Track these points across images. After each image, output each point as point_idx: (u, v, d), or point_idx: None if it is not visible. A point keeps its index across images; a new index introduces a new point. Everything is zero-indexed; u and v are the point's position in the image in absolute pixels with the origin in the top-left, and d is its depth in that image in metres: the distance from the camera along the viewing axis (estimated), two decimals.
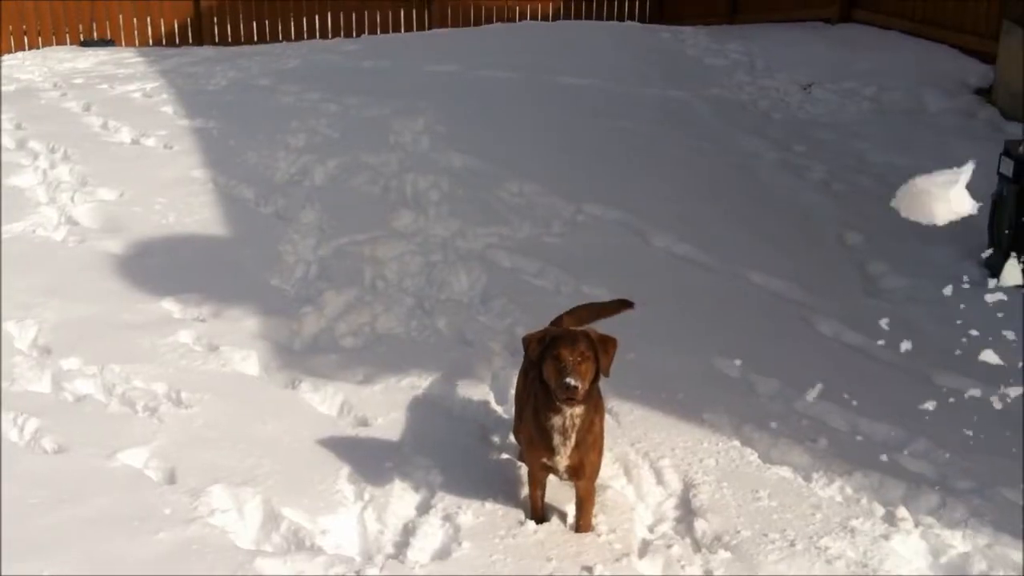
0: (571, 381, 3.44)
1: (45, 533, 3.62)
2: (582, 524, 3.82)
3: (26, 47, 14.99)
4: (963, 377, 4.82)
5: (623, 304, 4.31)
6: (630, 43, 11.94)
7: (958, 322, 5.55)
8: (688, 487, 4.05)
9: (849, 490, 4.04)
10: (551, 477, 3.83)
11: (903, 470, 4.17)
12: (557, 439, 3.61)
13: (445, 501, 3.92)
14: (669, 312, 5.62)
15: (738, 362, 5.05)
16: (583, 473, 3.72)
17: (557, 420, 3.59)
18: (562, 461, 3.66)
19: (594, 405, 3.67)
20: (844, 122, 9.11)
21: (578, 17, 16.42)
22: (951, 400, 4.53)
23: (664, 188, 7.51)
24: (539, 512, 3.88)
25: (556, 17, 16.36)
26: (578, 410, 3.58)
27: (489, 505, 3.90)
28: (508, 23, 14.87)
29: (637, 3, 17.02)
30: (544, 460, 3.70)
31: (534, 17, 16.28)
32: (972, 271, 6.12)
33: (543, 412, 3.61)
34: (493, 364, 5.07)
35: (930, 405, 4.36)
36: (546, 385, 3.58)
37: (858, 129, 8.88)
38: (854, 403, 4.61)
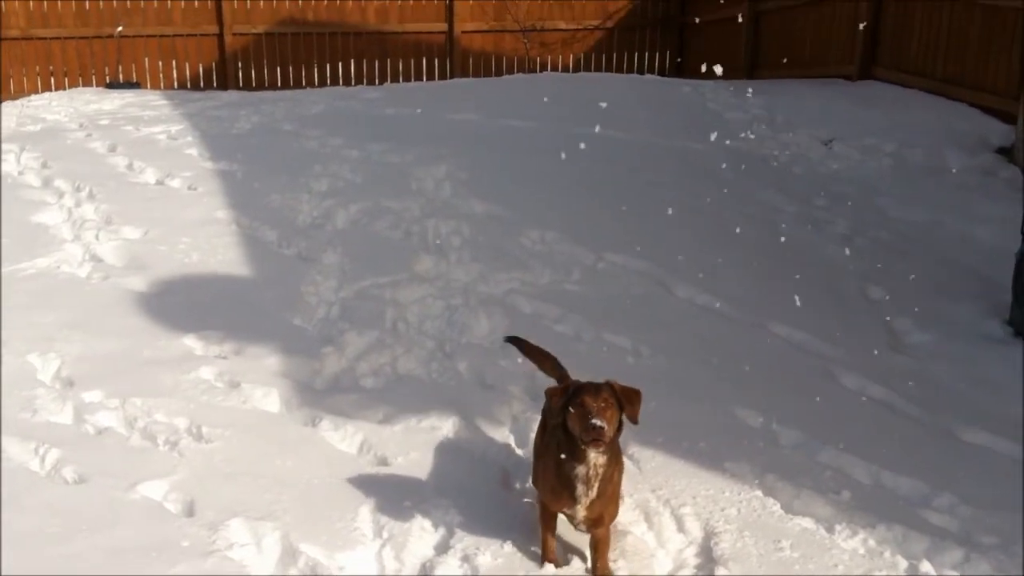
0: (597, 422, 3.45)
1: (63, 563, 3.60)
2: (599, 567, 3.79)
3: (53, 88, 15.23)
4: (987, 433, 4.80)
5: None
6: (651, 96, 12.02)
7: (982, 378, 5.55)
8: (709, 535, 4.02)
9: (872, 543, 3.99)
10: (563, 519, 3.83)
11: (927, 524, 4.12)
12: (580, 489, 3.62)
13: (464, 542, 3.89)
14: (691, 362, 5.62)
15: (760, 413, 5.02)
16: (601, 523, 3.72)
17: (581, 470, 3.60)
18: (581, 511, 3.67)
19: (615, 457, 3.69)
20: (865, 178, 9.13)
21: (599, 69, 16.62)
22: (975, 455, 4.50)
23: (686, 239, 7.52)
24: (551, 555, 3.85)
25: (577, 69, 16.56)
26: (602, 460, 3.59)
27: (508, 547, 3.88)
28: (529, 74, 15.01)
29: (658, 57, 17.20)
30: (565, 510, 3.71)
31: (555, 68, 16.47)
32: (996, 328, 6.11)
33: (567, 462, 3.62)
34: (513, 408, 5.06)
35: (954, 460, 4.34)
36: (570, 435, 3.60)
37: (879, 185, 8.90)
38: (878, 456, 4.58)
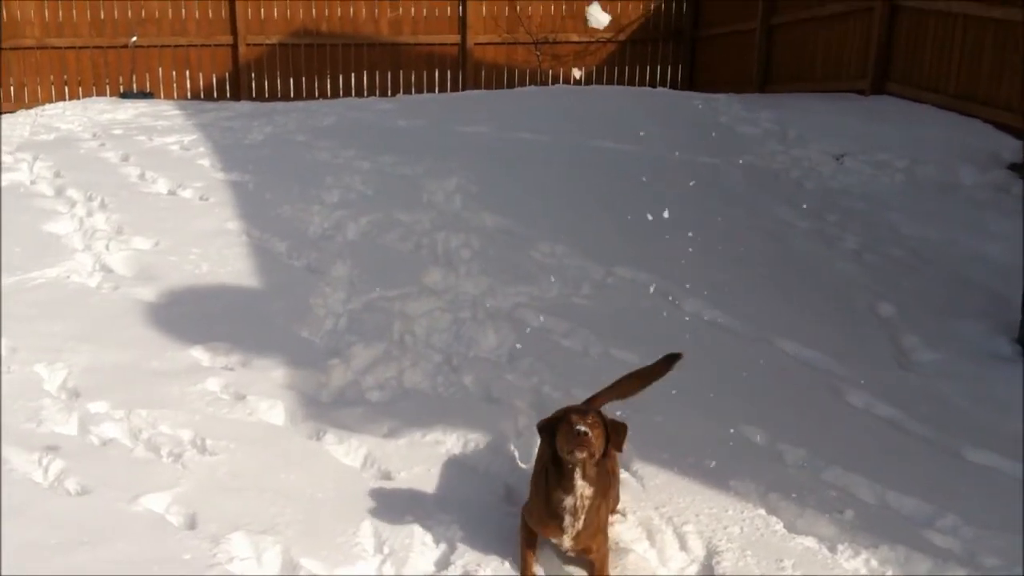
0: (581, 428, 3.56)
1: (64, 574, 3.61)
2: None
3: (67, 97, 15.32)
4: (993, 453, 4.77)
5: (671, 360, 4.36)
6: (662, 109, 12.02)
7: (989, 397, 5.51)
8: (711, 554, 4.00)
9: (875, 563, 3.97)
10: None
11: (930, 545, 4.09)
12: (567, 520, 3.69)
13: (465, 558, 3.89)
14: (698, 377, 5.57)
15: (766, 430, 5.00)
16: (590, 552, 3.78)
17: (568, 501, 3.68)
18: (567, 541, 3.74)
19: (603, 491, 3.76)
20: (876, 193, 9.10)
21: (611, 82, 16.64)
22: (980, 476, 4.47)
23: (695, 253, 7.50)
24: (530, 572, 3.85)
25: (589, 82, 16.57)
26: (588, 491, 3.67)
27: (509, 564, 3.87)
28: (541, 86, 15.03)
29: (669, 70, 17.21)
30: (552, 539, 3.78)
31: (567, 81, 16.49)
32: (1004, 346, 6.08)
33: (555, 492, 3.70)
34: (519, 423, 5.05)
35: (959, 480, 4.31)
36: (558, 464, 3.68)
37: (891, 201, 8.87)
38: (883, 475, 4.55)
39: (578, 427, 3.57)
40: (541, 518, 3.78)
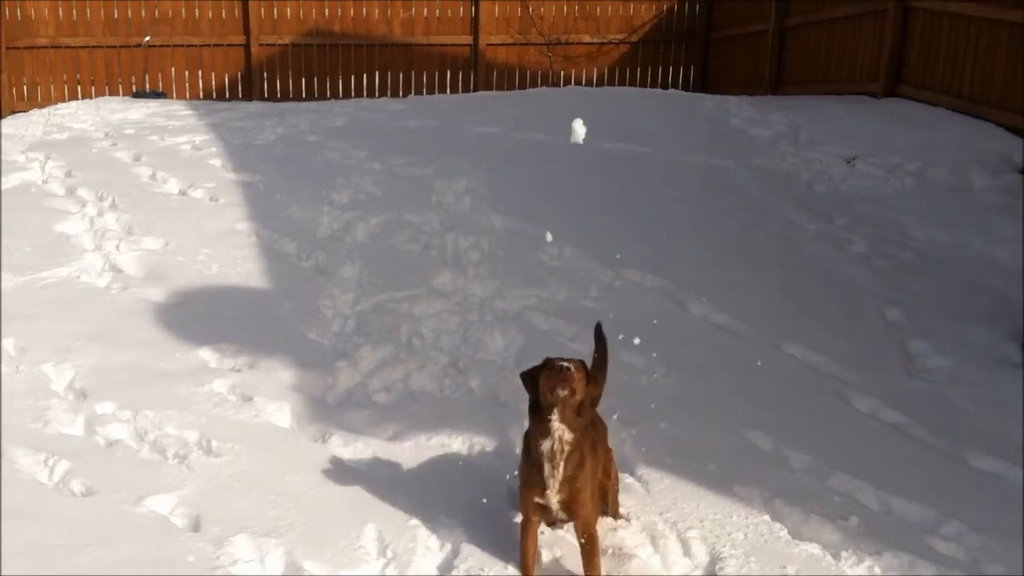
0: (564, 363, 3.64)
1: (69, 575, 3.62)
2: (590, 568, 3.81)
3: (80, 96, 15.38)
4: (998, 459, 4.75)
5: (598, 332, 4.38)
6: (674, 111, 12.01)
7: (996, 403, 5.49)
8: (715, 560, 3.99)
9: (879, 570, 3.96)
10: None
11: (934, 552, 4.08)
12: (547, 468, 3.70)
13: (469, 562, 3.90)
14: (704, 381, 5.60)
15: (772, 436, 4.99)
16: (576, 511, 3.76)
17: (546, 444, 3.70)
18: (553, 495, 3.72)
19: (590, 447, 3.79)
20: (887, 197, 9.06)
21: (622, 84, 16.62)
22: (985, 482, 4.45)
23: (704, 256, 7.50)
24: (529, 569, 3.86)
25: (600, 83, 16.56)
26: (568, 436, 3.69)
27: (513, 568, 3.88)
28: (552, 88, 15.02)
29: (682, 71, 17.18)
30: (537, 499, 3.76)
31: (578, 82, 16.48)
32: (1013, 352, 6.05)
33: (534, 441, 3.74)
34: (525, 426, 5.01)
35: (964, 487, 4.29)
36: (538, 412, 3.73)
37: (901, 204, 8.83)
38: (888, 482, 4.54)
39: (561, 363, 3.63)
40: (527, 477, 3.79)
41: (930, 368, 5.99)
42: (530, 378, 3.78)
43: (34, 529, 3.84)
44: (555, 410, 3.68)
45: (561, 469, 3.70)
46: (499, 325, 6.25)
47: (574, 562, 3.91)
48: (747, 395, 5.48)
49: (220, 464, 4.49)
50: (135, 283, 6.70)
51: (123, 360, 5.51)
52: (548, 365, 3.70)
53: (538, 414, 3.74)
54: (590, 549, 3.80)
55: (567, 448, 3.70)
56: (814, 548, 4.08)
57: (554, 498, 3.73)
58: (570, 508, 3.76)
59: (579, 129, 4.47)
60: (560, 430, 3.69)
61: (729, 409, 5.29)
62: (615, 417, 4.92)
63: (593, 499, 3.82)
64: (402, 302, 6.53)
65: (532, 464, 3.75)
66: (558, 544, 4.07)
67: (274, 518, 4.07)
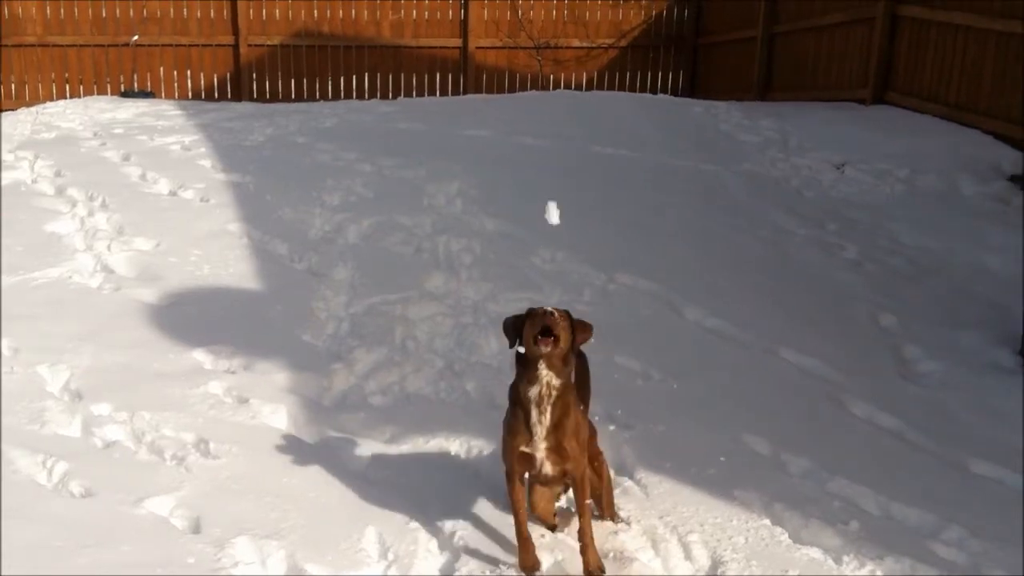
0: (549, 308, 3.69)
1: None
2: (588, 559, 3.83)
3: (68, 95, 15.30)
4: (996, 465, 4.77)
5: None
6: (663, 115, 12.02)
7: (991, 408, 5.52)
8: (716, 563, 3.99)
9: (880, 574, 3.97)
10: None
11: (935, 557, 4.09)
12: (535, 414, 3.71)
13: (470, 565, 3.89)
14: (699, 386, 5.60)
15: (770, 440, 5.00)
16: (564, 455, 3.77)
17: (534, 390, 3.72)
18: (540, 442, 3.73)
19: (575, 396, 3.82)
20: (877, 203, 9.10)
21: (612, 88, 16.65)
22: (984, 487, 4.47)
23: (696, 261, 7.52)
24: (522, 523, 3.85)
25: (590, 87, 16.58)
26: (556, 381, 3.70)
27: (513, 571, 3.86)
28: (542, 91, 15.04)
29: (670, 76, 17.22)
30: (523, 447, 3.76)
31: (568, 86, 16.50)
32: (1006, 357, 6.08)
33: (521, 388, 3.74)
34: None
35: (964, 492, 4.31)
36: (524, 362, 3.73)
37: (891, 210, 8.88)
38: (887, 487, 4.55)
39: (546, 308, 3.68)
40: (512, 426, 3.80)
41: (923, 373, 6.02)
42: (514, 327, 3.77)
43: (34, 530, 3.81)
44: (542, 359, 3.69)
45: (548, 415, 3.72)
46: (493, 328, 6.24)
47: (576, 565, 3.90)
48: (743, 399, 5.50)
49: (218, 466, 4.47)
50: (127, 284, 6.66)
51: (117, 361, 5.48)
52: (532, 313, 3.71)
53: (524, 363, 3.75)
54: (580, 486, 3.84)
55: (555, 393, 3.71)
56: (815, 552, 4.08)
57: (541, 444, 3.75)
58: (557, 453, 3.77)
59: (554, 211, 4.49)
60: (548, 376, 3.70)
61: (725, 413, 5.30)
62: (612, 427, 4.94)
63: (581, 448, 3.83)
64: (395, 304, 6.52)
65: (518, 413, 3.76)
66: (559, 547, 4.06)
67: (274, 520, 4.05)
